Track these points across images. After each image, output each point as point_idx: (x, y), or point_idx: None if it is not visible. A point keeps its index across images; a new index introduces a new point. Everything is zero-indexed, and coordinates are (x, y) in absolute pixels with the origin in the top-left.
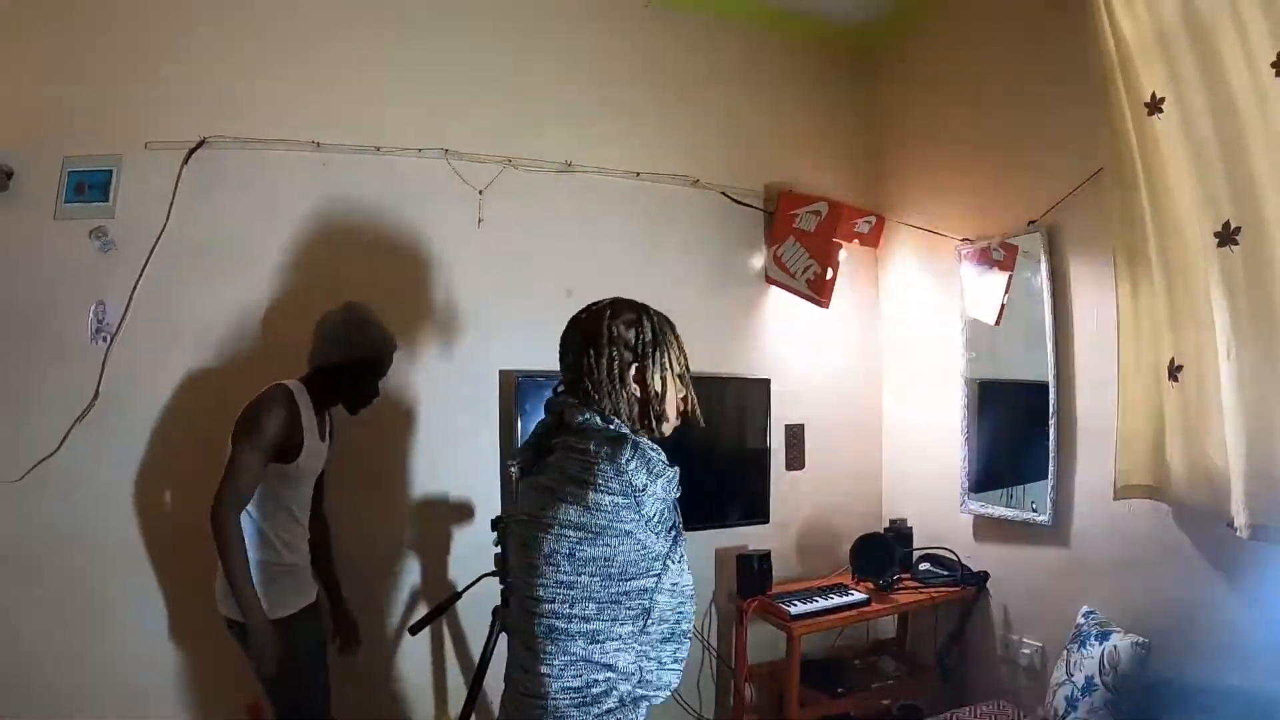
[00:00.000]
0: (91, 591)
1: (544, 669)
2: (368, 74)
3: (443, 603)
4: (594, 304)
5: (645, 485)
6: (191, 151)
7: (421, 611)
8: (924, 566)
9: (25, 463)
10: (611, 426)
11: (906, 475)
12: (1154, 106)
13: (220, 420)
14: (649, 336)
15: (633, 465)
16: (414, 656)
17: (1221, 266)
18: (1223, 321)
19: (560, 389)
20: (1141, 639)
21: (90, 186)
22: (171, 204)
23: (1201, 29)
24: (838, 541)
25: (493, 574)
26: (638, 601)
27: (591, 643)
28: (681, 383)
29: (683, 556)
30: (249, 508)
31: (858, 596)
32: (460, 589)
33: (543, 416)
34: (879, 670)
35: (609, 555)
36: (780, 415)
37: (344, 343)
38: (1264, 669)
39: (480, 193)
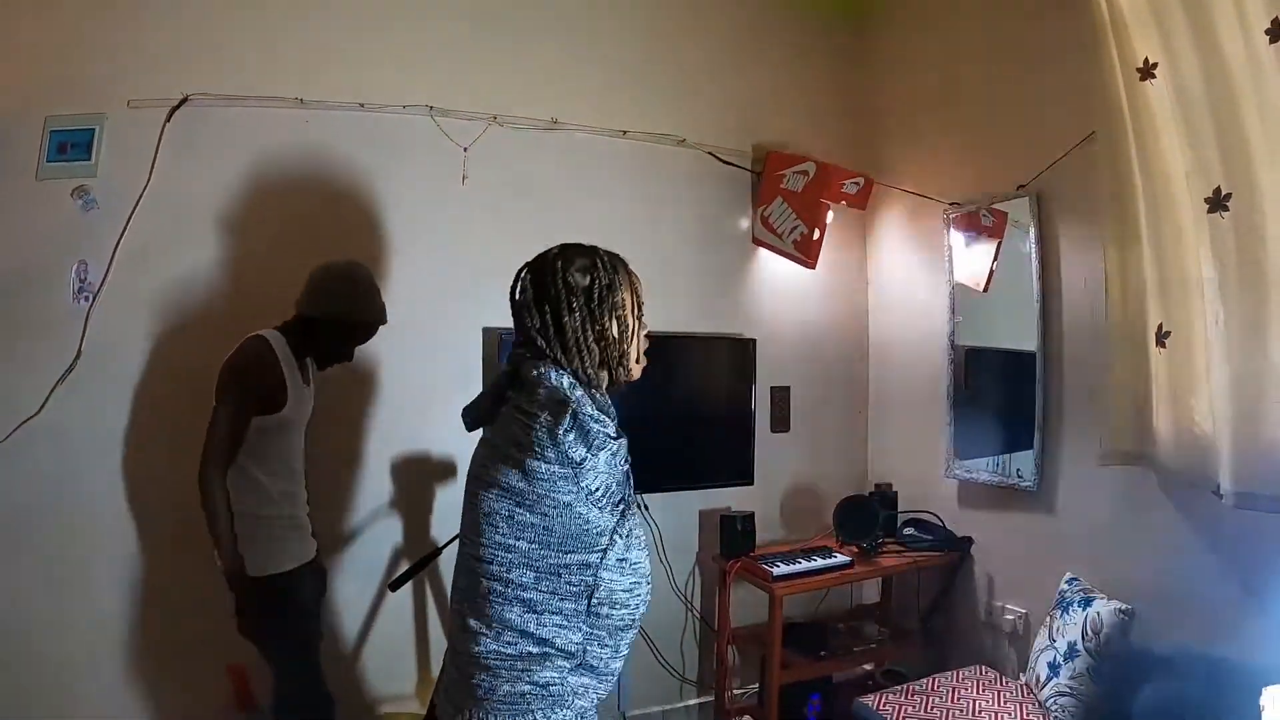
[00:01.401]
0: (76, 552)
1: (481, 629)
2: (352, 30)
3: (422, 559)
4: (545, 252)
5: (584, 459)
6: (174, 109)
7: (403, 569)
8: (908, 531)
9: (8, 424)
10: (565, 383)
11: (892, 439)
12: (1146, 72)
13: (203, 378)
14: (604, 281)
15: (570, 437)
16: (395, 613)
17: (1212, 233)
18: (1212, 288)
19: (519, 340)
20: (1125, 606)
21: (72, 146)
22: (154, 162)
23: None
24: (822, 505)
25: None
26: (579, 577)
27: (529, 611)
28: (640, 321)
29: (633, 533)
30: (249, 464)
31: (841, 559)
32: (441, 545)
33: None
34: (862, 634)
35: (547, 524)
36: (765, 377)
37: (337, 300)
38: (1246, 638)
39: (465, 150)
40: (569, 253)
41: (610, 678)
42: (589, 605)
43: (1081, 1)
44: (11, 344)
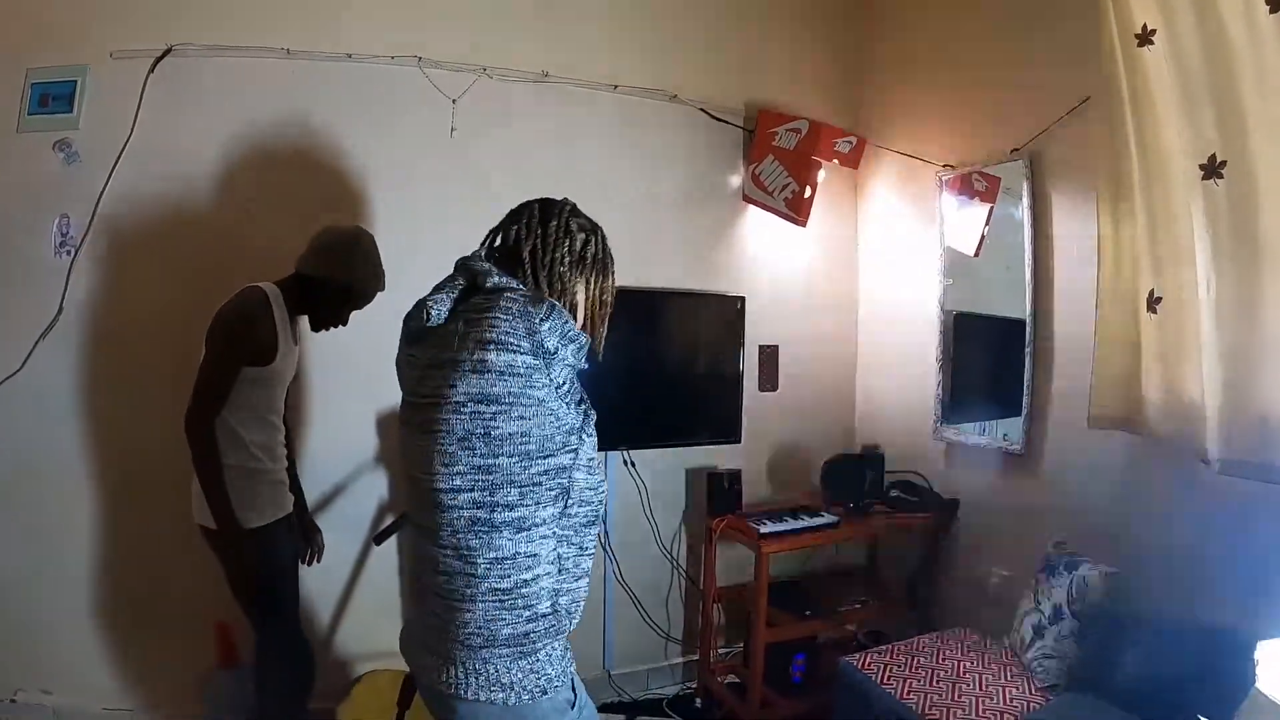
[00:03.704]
0: (55, 510)
1: (468, 568)
2: None
3: (406, 513)
4: (551, 197)
5: (557, 349)
6: (158, 60)
7: (388, 523)
8: (895, 493)
9: None
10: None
11: (880, 400)
12: (1144, 38)
13: (187, 332)
14: (595, 253)
15: (547, 325)
16: (380, 567)
17: (1205, 199)
18: (1204, 255)
19: (487, 254)
20: (1110, 570)
21: (54, 98)
22: (137, 114)
23: None
24: (809, 464)
25: None
26: (556, 481)
27: (518, 531)
28: (608, 311)
29: (593, 434)
30: (227, 414)
31: (828, 519)
32: None
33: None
34: (847, 595)
35: (525, 430)
36: (754, 335)
37: (339, 264)
38: (1230, 605)
39: (454, 102)
40: (576, 209)
41: (586, 578)
42: (564, 508)
43: None
44: None
